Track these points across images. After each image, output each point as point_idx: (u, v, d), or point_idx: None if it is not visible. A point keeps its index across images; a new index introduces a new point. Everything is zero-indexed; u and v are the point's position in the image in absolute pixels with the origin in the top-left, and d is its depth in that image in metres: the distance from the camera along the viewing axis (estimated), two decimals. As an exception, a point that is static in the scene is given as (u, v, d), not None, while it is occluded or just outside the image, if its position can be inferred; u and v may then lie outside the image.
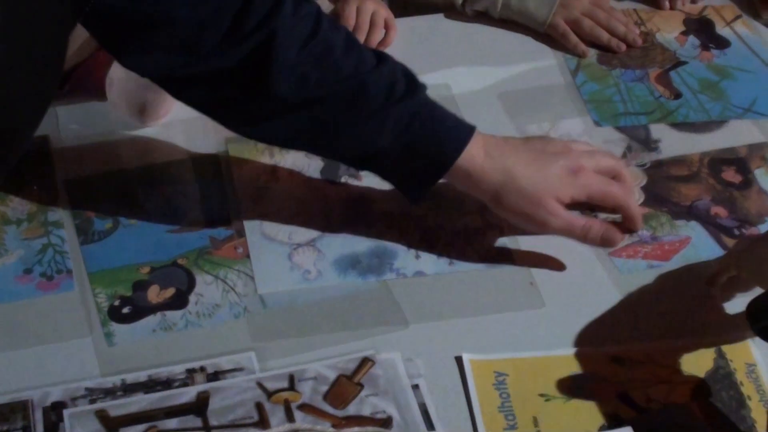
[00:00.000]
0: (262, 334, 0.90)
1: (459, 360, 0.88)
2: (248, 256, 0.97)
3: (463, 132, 0.93)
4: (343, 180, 1.05)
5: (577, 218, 0.94)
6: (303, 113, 0.91)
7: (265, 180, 1.04)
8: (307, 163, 1.06)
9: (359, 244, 0.98)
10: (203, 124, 1.07)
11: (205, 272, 0.95)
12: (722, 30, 1.32)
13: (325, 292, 0.94)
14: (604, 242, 0.94)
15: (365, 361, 0.87)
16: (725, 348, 0.90)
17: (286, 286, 0.94)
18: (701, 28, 1.32)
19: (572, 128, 1.14)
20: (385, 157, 0.93)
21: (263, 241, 0.98)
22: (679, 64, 1.26)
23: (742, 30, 1.32)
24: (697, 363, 0.89)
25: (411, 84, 0.93)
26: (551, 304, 0.94)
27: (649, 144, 1.14)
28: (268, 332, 0.90)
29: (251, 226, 0.99)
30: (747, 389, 0.87)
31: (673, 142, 1.13)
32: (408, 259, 0.97)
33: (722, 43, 1.30)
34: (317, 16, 0.92)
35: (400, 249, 0.98)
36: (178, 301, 0.92)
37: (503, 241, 0.99)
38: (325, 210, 1.02)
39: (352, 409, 0.83)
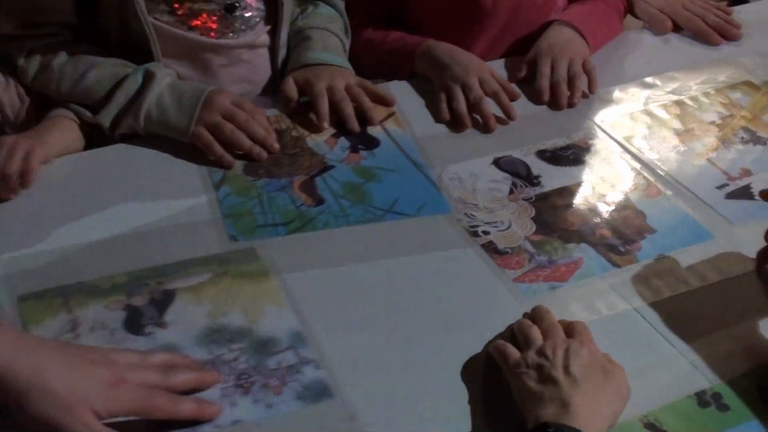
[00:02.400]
0: None
1: None
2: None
3: None
4: (147, 331, 1.00)
5: None
6: None
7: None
8: (108, 316, 1.00)
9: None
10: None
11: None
12: (374, 129, 1.30)
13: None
14: None
15: None
16: None
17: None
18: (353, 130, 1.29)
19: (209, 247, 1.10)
20: None
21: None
22: (325, 169, 1.23)
23: (393, 128, 1.31)
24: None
25: None
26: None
27: (531, 179, 1.22)
28: None
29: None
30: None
31: (552, 176, 1.24)
32: (223, 408, 0.92)
33: (372, 143, 1.28)
34: None
35: (214, 398, 0.93)
36: None
37: (321, 375, 0.96)
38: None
39: None
